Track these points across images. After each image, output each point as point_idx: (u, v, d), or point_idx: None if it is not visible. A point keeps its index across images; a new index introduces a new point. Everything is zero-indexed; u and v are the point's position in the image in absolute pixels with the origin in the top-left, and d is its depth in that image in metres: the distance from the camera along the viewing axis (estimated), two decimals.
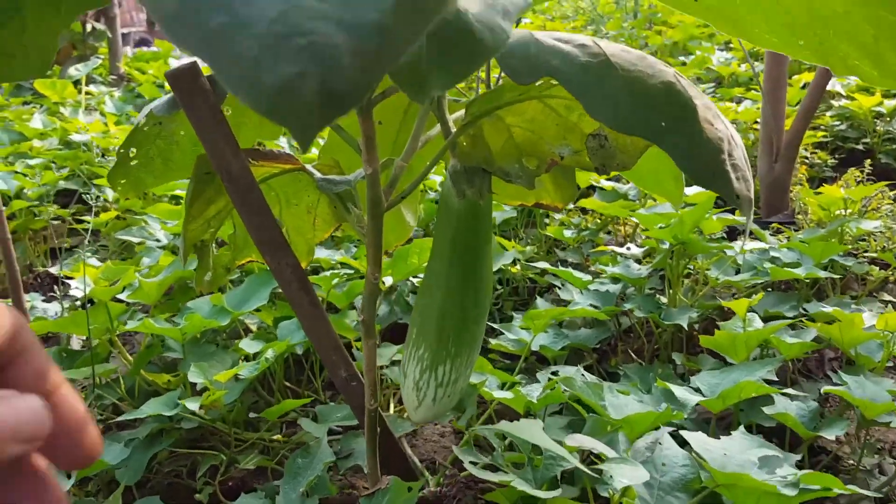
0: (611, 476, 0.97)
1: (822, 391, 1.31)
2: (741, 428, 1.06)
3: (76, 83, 4.79)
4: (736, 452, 0.95)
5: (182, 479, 1.57)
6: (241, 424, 1.60)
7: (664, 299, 1.88)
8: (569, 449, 0.94)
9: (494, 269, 1.94)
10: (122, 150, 1.13)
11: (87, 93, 4.80)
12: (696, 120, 0.67)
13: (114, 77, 5.66)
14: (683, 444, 1.18)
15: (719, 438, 1.11)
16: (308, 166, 1.11)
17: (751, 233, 2.24)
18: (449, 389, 0.72)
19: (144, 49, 8.11)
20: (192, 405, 1.29)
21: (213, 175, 1.11)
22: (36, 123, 3.75)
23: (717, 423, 1.39)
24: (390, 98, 1.11)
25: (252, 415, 1.63)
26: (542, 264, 1.94)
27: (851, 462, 1.51)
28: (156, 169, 1.18)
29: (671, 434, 1.19)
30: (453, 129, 0.97)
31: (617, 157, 0.96)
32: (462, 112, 0.98)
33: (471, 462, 1.06)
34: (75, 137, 3.46)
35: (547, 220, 2.52)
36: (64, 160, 3.18)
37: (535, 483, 1.04)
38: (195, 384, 1.48)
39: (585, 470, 0.89)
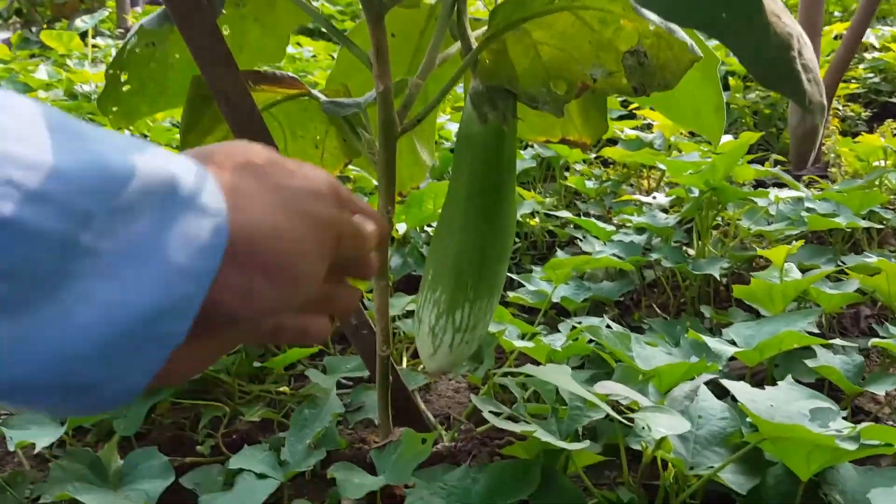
0: (643, 427, 0.88)
1: (870, 343, 1.22)
2: (788, 378, 0.97)
3: (83, 35, 4.68)
4: (783, 403, 0.86)
5: (184, 431, 1.51)
6: (245, 376, 1.53)
7: (691, 251, 1.78)
8: (599, 397, 0.86)
9: None
10: (111, 72, 1.03)
11: (93, 45, 4.70)
12: (762, 11, 0.57)
13: (121, 30, 5.54)
14: (720, 396, 1.09)
15: (747, 384, 1.02)
16: (314, 91, 1.01)
17: (783, 183, 2.13)
18: (467, 336, 0.64)
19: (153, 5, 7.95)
20: None
21: (210, 101, 1.01)
22: (41, 75, 3.66)
23: (751, 379, 1.30)
24: (406, 13, 0.99)
25: (258, 365, 1.56)
26: (564, 213, 1.84)
27: (892, 423, 1.42)
28: (150, 95, 1.08)
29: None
30: (474, 46, 0.87)
31: (657, 76, 0.85)
32: (484, 29, 0.88)
33: (490, 412, 0.98)
34: (80, 88, 3.37)
35: (567, 172, 2.41)
36: (68, 110, 3.10)
37: (560, 435, 0.96)
38: None
39: (618, 418, 0.80)
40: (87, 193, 0.28)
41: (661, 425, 0.76)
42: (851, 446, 0.75)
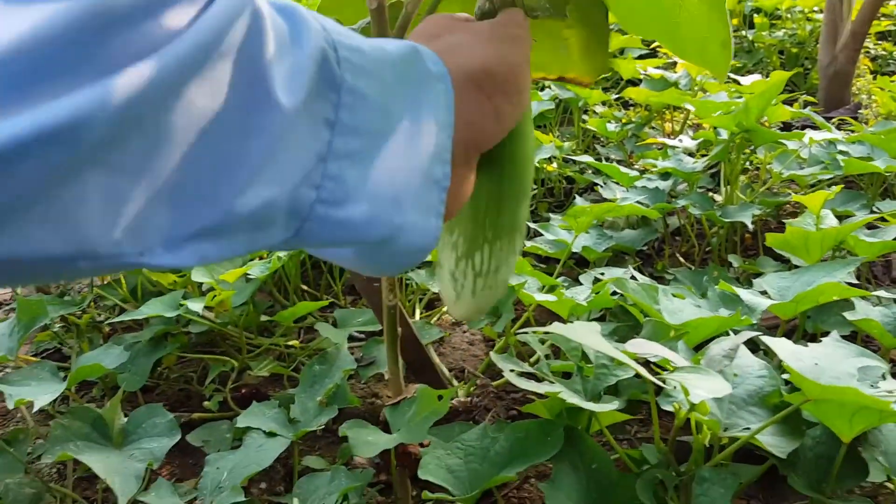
0: (675, 387, 0.82)
1: None
2: (834, 334, 0.90)
3: None
4: (830, 362, 0.80)
5: (192, 385, 1.47)
6: (254, 329, 1.48)
7: (718, 198, 1.70)
8: (629, 356, 0.79)
9: None
10: None
11: None
12: None
13: None
14: (752, 350, 1.03)
15: (788, 341, 0.95)
16: None
17: (813, 126, 2.02)
18: (489, 280, 0.57)
19: None
20: (196, 306, 1.16)
21: None
22: None
23: (784, 332, 1.23)
24: None
25: (266, 318, 1.50)
26: (585, 158, 1.75)
27: None
28: None
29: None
30: None
31: None
32: None
33: (512, 370, 0.92)
34: None
35: (586, 115, 2.31)
36: None
37: (586, 394, 0.90)
38: (201, 284, 1.34)
39: (652, 379, 0.74)
40: (386, 68, 0.35)
41: (699, 388, 0.70)
42: None
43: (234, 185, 0.28)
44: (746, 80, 1.98)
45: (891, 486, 1.00)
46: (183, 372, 1.48)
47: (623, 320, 1.31)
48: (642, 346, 0.81)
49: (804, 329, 1.29)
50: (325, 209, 0.32)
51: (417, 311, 1.63)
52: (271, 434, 1.06)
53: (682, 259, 1.67)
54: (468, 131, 0.39)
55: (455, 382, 1.40)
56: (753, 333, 0.89)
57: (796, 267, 1.38)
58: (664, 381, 0.80)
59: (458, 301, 0.54)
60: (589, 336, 0.74)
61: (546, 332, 0.90)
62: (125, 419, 1.16)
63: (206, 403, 1.31)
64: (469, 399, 1.32)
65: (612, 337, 1.29)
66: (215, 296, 1.18)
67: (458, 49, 0.41)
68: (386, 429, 1.00)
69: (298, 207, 0.31)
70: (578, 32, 0.78)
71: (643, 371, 0.73)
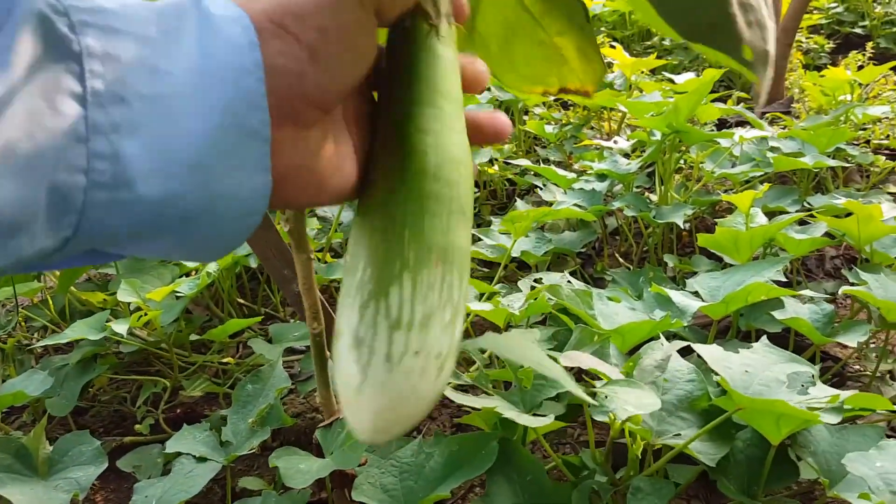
0: (606, 396, 0.82)
1: (840, 291, 1.16)
2: (763, 339, 0.91)
3: None
4: (759, 368, 0.80)
5: (126, 406, 1.42)
6: (188, 346, 1.44)
7: (654, 197, 1.71)
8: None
9: None
10: None
11: None
12: None
13: None
14: (684, 353, 1.03)
15: (720, 347, 0.96)
16: None
17: (747, 122, 2.06)
18: (416, 339, 0.35)
19: None
20: (121, 328, 1.12)
21: None
22: None
23: (716, 330, 1.25)
24: None
25: (197, 337, 1.46)
26: (523, 162, 1.75)
27: (858, 367, 1.39)
28: None
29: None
30: None
31: None
32: None
33: (448, 383, 0.91)
34: None
35: (526, 116, 2.31)
36: None
37: (524, 406, 0.89)
38: (130, 303, 1.30)
39: (588, 399, 0.73)
40: (147, 24, 0.30)
41: (629, 403, 0.69)
42: (834, 419, 0.69)
43: None
44: (681, 79, 2.00)
45: (824, 482, 1.02)
46: (116, 393, 1.43)
47: (563, 324, 1.31)
48: (578, 358, 0.80)
49: (738, 327, 1.31)
50: (106, 194, 0.28)
51: None
52: (202, 459, 1.03)
53: (621, 259, 1.69)
54: (279, 78, 0.32)
55: None
56: (683, 343, 0.89)
57: (729, 265, 1.39)
58: (596, 395, 0.80)
59: (363, 386, 0.34)
60: (525, 351, 0.73)
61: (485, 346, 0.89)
62: (50, 448, 1.11)
63: (137, 427, 1.27)
64: None
65: (552, 341, 1.28)
66: (142, 316, 1.14)
67: None
68: (320, 451, 0.98)
69: (65, 199, 0.27)
70: (570, 39, 0.73)
71: (575, 388, 0.72)
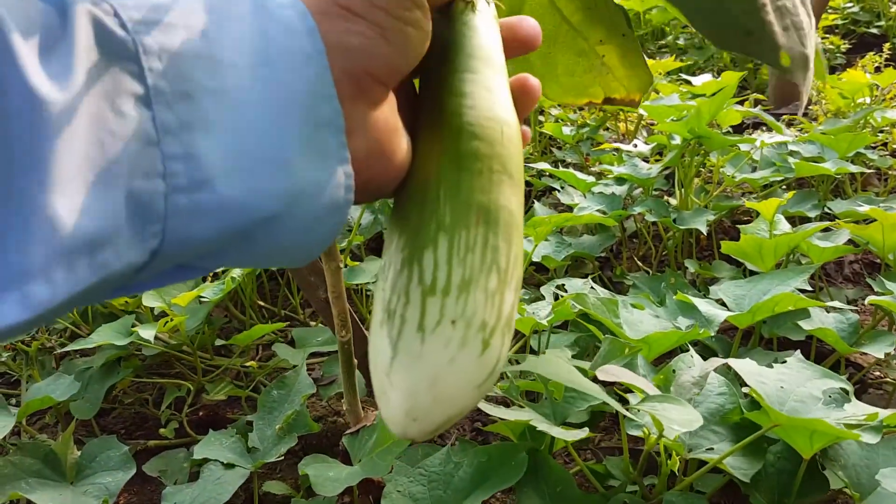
0: (638, 411, 0.82)
1: (866, 301, 1.16)
2: (797, 354, 0.91)
3: None
4: (794, 384, 0.80)
5: (148, 408, 1.43)
6: (210, 349, 1.44)
7: (673, 201, 1.71)
8: (590, 375, 0.78)
9: None
10: None
11: None
12: None
13: None
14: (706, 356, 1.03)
15: (753, 361, 0.96)
16: None
17: (763, 123, 2.05)
18: (452, 306, 0.30)
19: None
20: (147, 333, 1.12)
21: None
22: None
23: (740, 338, 1.25)
24: None
25: (220, 342, 1.47)
26: (541, 165, 1.75)
27: (879, 374, 1.38)
28: None
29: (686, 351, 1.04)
30: None
31: None
32: None
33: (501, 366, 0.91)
34: None
35: (542, 118, 2.30)
36: None
37: (555, 418, 0.89)
38: (153, 308, 1.31)
39: (628, 414, 0.74)
40: (197, 14, 0.28)
41: (673, 421, 0.69)
42: (874, 438, 0.70)
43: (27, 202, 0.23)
44: (698, 81, 1.99)
45: (848, 491, 1.02)
46: (138, 395, 1.43)
47: (585, 329, 1.31)
48: (614, 373, 0.80)
49: (761, 334, 1.31)
50: (187, 197, 0.26)
51: None
52: (230, 465, 1.03)
53: (639, 262, 1.68)
54: (347, 59, 0.31)
55: None
56: (720, 361, 0.89)
57: (752, 272, 1.39)
58: (634, 410, 0.80)
59: (394, 363, 0.30)
60: (559, 369, 0.73)
61: (516, 361, 0.89)
62: (78, 453, 1.12)
63: (161, 430, 1.27)
64: None
65: (576, 347, 1.29)
66: (168, 321, 1.15)
67: None
68: (346, 458, 0.99)
69: (147, 207, 0.26)
70: (613, 47, 0.71)
71: (614, 404, 0.72)
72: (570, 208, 1.63)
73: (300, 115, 0.29)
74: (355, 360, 0.94)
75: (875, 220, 1.28)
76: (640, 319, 1.16)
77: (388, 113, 0.34)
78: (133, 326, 1.20)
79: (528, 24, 0.41)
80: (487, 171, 0.34)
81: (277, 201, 0.29)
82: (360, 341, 1.11)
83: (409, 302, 0.30)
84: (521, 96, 0.41)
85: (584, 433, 0.79)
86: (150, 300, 1.22)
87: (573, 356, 1.29)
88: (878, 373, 1.39)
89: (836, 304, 1.11)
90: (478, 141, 0.34)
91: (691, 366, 0.91)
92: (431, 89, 0.38)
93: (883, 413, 0.72)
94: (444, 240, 0.31)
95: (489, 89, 0.37)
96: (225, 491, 0.99)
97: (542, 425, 0.83)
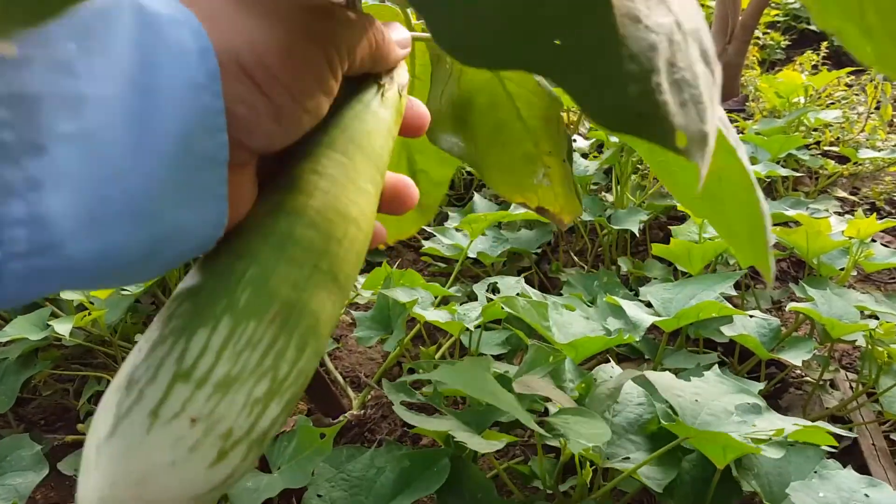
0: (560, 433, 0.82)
1: (787, 308, 1.19)
2: (715, 369, 0.92)
3: None
4: (709, 398, 0.82)
5: (69, 399, 1.38)
6: (132, 340, 1.40)
7: (610, 197, 1.72)
8: (517, 397, 0.79)
9: None
10: None
11: None
12: (608, 17, 0.32)
13: None
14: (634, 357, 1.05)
15: (672, 375, 0.98)
16: None
17: None
18: (202, 401, 0.26)
19: None
20: (63, 328, 1.08)
21: None
22: None
23: (664, 340, 1.27)
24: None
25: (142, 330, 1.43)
26: None
27: (799, 372, 1.43)
28: None
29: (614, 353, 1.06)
30: None
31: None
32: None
33: (401, 402, 0.90)
34: None
35: None
36: None
37: (476, 427, 0.89)
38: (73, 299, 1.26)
39: (541, 431, 0.74)
40: (62, 40, 0.24)
41: (581, 435, 0.70)
42: (777, 454, 0.71)
43: None
44: None
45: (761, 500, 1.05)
46: (58, 386, 1.39)
47: (518, 326, 1.31)
48: (531, 385, 0.80)
49: (687, 334, 1.34)
50: (23, 264, 0.23)
51: None
52: None
53: (575, 258, 1.70)
54: (231, 126, 0.28)
55: (350, 392, 1.38)
56: (637, 373, 0.90)
57: (682, 273, 1.41)
58: (548, 425, 0.80)
59: (109, 441, 0.25)
60: (475, 381, 0.73)
61: (435, 367, 0.89)
62: None
63: (79, 426, 1.23)
64: (363, 412, 1.30)
65: (506, 346, 1.29)
66: (86, 315, 1.11)
67: (226, 17, 0.29)
68: (265, 465, 0.97)
69: None
70: (558, 164, 0.68)
71: (527, 419, 0.72)
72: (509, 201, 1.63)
73: (178, 153, 0.26)
74: None
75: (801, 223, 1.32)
76: (570, 321, 1.17)
77: (247, 177, 0.32)
78: (51, 318, 1.15)
79: (408, 186, 0.40)
80: (311, 268, 0.31)
81: (138, 251, 0.26)
82: None
83: (155, 380, 0.26)
84: (391, 199, 0.39)
85: (500, 445, 0.79)
86: (68, 293, 1.17)
87: (505, 354, 1.30)
88: (799, 370, 1.43)
89: (757, 313, 1.13)
90: (314, 232, 0.31)
91: (611, 375, 0.92)
92: (298, 155, 0.35)
93: (788, 428, 0.73)
94: (226, 323, 0.27)
95: (353, 181, 0.34)
96: None
97: (462, 434, 0.83)
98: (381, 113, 0.38)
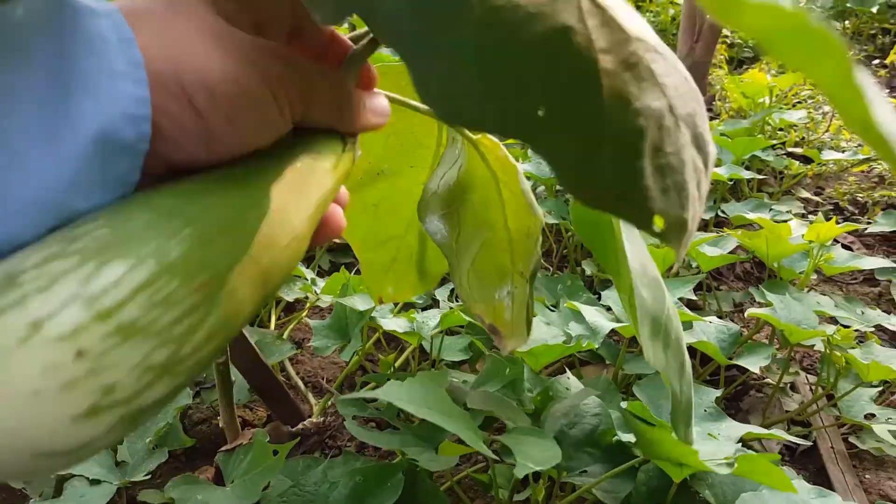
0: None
1: (746, 314, 1.19)
2: None
3: None
4: (668, 411, 0.81)
5: None
6: None
7: None
8: (472, 411, 0.77)
9: None
10: None
11: None
12: (595, 95, 0.29)
13: None
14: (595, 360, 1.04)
15: (631, 363, 0.97)
16: None
17: None
18: (111, 346, 0.22)
19: None
20: None
21: None
22: None
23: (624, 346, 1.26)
24: None
25: None
26: None
27: (760, 375, 1.43)
28: None
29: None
30: None
31: None
32: None
33: (353, 417, 0.88)
34: None
35: None
36: None
37: (430, 443, 0.88)
38: None
39: (491, 455, 0.72)
40: None
41: (530, 458, 0.68)
42: (725, 471, 0.71)
43: None
44: None
45: None
46: None
47: (480, 332, 1.30)
48: (480, 401, 0.79)
49: None
50: None
51: (273, 318, 1.56)
52: (95, 481, 0.98)
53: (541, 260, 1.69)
54: (156, 140, 0.27)
55: (311, 398, 1.36)
56: (595, 392, 0.89)
57: None
58: (501, 444, 0.79)
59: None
60: (426, 399, 0.71)
61: (388, 380, 0.87)
62: None
63: None
64: (322, 419, 1.28)
65: (468, 352, 1.28)
66: None
67: (177, 37, 0.28)
68: (219, 477, 0.95)
69: None
70: (523, 290, 0.66)
71: (478, 444, 0.71)
72: None
73: (94, 140, 0.25)
74: (233, 379, 0.90)
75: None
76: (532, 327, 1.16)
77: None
78: None
79: (338, 217, 0.40)
80: (251, 258, 0.28)
81: (17, 243, 0.24)
82: (242, 351, 1.07)
83: (49, 290, 0.22)
84: (321, 228, 0.38)
85: (451, 463, 0.78)
86: None
87: (468, 360, 1.28)
88: (759, 373, 1.44)
89: (716, 319, 1.13)
90: (267, 226, 0.30)
91: (568, 388, 0.91)
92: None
93: (739, 452, 0.73)
94: (149, 267, 0.24)
95: (299, 198, 0.33)
96: None
97: (413, 450, 0.81)
98: (320, 165, 0.36)
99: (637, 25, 0.31)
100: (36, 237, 0.24)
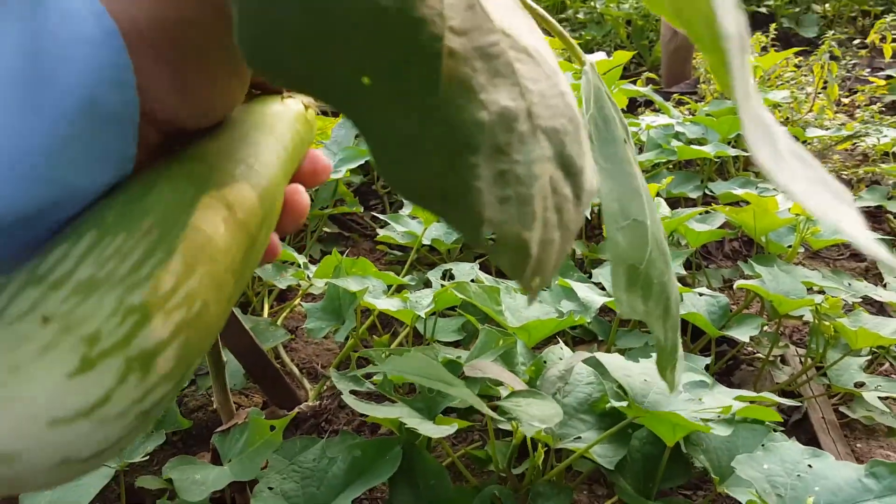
0: (512, 416, 0.82)
1: (735, 286, 1.21)
2: None
3: None
4: (658, 377, 0.82)
5: None
6: None
7: None
8: (468, 385, 0.78)
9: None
10: None
11: None
12: (432, 74, 0.25)
13: None
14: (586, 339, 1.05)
15: (620, 356, 0.98)
16: None
17: (656, 107, 2.09)
18: (56, 302, 0.23)
19: None
20: None
21: None
22: None
23: (616, 322, 1.28)
24: None
25: None
26: None
27: (750, 349, 1.45)
28: None
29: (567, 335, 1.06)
30: None
31: None
32: None
33: (350, 392, 0.89)
34: None
35: None
36: None
37: (428, 412, 0.89)
38: None
39: (492, 414, 0.73)
40: None
41: (534, 417, 0.69)
42: (725, 431, 0.72)
43: None
44: (592, 59, 2.01)
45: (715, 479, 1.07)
46: None
47: (472, 312, 1.31)
48: (483, 367, 0.80)
49: None
50: None
51: (266, 306, 1.56)
52: None
53: None
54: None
55: (306, 383, 1.37)
56: (587, 355, 0.90)
57: None
58: (500, 408, 0.80)
59: None
60: (426, 370, 0.72)
61: (381, 353, 0.88)
62: None
63: None
64: (318, 402, 1.29)
65: (462, 332, 1.29)
66: None
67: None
68: (216, 457, 0.95)
69: None
70: None
71: (479, 404, 0.72)
72: None
73: (80, 110, 0.25)
74: (224, 359, 0.90)
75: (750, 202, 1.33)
76: (523, 305, 1.17)
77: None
78: None
79: (321, 161, 0.41)
80: (195, 191, 0.28)
81: (20, 212, 0.24)
82: (236, 335, 1.08)
83: (3, 289, 0.23)
84: (309, 171, 0.39)
85: (451, 430, 0.79)
86: None
87: (462, 340, 1.29)
88: (750, 347, 1.45)
89: (706, 290, 1.14)
90: (202, 165, 0.30)
91: (561, 357, 0.92)
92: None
93: (736, 405, 0.74)
94: (90, 237, 0.24)
95: (232, 161, 0.32)
96: (86, 493, 0.94)
97: (413, 421, 0.82)
98: (277, 110, 0.37)
99: (511, 22, 0.28)
100: (36, 211, 0.24)
